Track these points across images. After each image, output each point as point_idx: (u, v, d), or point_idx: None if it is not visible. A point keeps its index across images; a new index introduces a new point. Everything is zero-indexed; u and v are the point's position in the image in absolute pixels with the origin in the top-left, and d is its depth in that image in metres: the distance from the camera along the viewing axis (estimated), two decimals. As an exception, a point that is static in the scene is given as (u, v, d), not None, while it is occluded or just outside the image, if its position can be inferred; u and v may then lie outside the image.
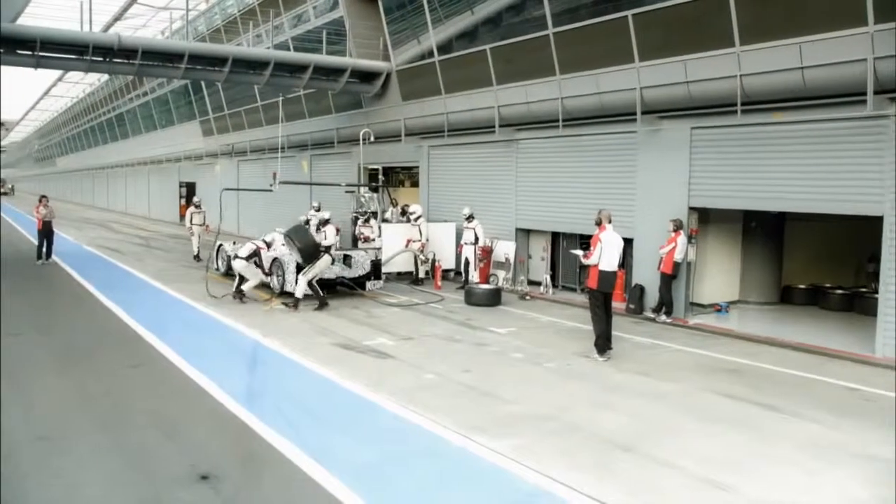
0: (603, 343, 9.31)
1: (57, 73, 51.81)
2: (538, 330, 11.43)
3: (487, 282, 15.33)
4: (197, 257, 19.91)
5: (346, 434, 6.40)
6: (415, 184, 22.27)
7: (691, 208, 12.54)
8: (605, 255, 9.19)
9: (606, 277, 9.27)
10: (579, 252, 9.83)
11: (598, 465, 5.81)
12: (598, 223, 9.44)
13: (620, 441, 6.33)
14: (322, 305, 12.62)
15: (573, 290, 15.25)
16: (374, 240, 16.15)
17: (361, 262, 14.17)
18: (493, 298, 13.66)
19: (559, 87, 14.20)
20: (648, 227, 12.92)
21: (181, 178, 37.10)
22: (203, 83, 30.89)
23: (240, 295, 13.12)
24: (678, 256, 12.21)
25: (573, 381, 8.36)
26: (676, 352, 10.11)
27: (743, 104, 11.19)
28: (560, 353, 9.76)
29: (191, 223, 20.49)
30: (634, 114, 12.91)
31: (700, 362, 9.48)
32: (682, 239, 12.19)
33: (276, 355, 9.33)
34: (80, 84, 52.61)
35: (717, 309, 13.33)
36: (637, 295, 13.01)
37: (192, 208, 20.89)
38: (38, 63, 15.61)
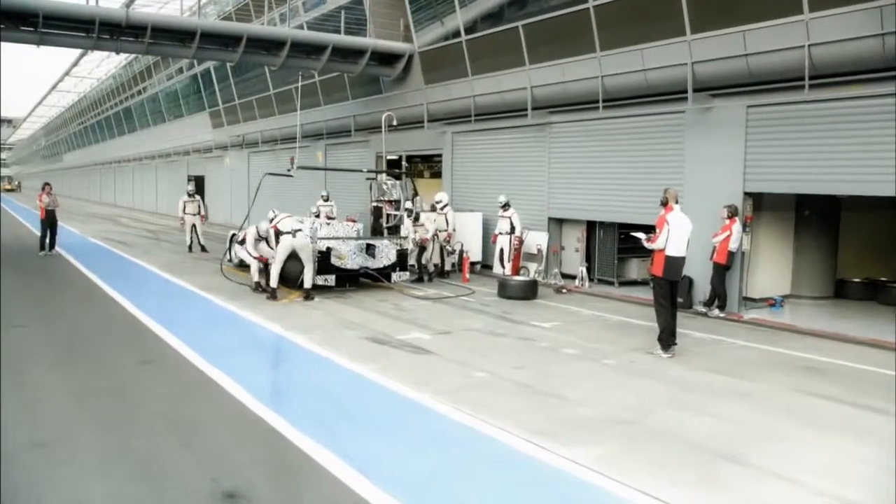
0: (667, 338, 8.32)
1: (63, 67, 51.33)
2: (584, 324, 10.45)
3: (518, 274, 14.35)
4: (190, 248, 18.99)
5: (392, 440, 5.43)
6: (435, 174, 21.30)
7: (746, 193, 11.52)
8: (673, 239, 8.20)
9: (674, 264, 8.27)
10: (641, 235, 8.82)
11: (703, 479, 4.82)
12: (664, 203, 8.43)
13: (720, 449, 5.34)
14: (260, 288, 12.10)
15: (610, 283, 14.25)
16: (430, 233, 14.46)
17: (386, 252, 13.18)
18: (529, 291, 12.67)
19: (599, 65, 13.21)
20: (697, 214, 11.66)
21: (190, 171, 36.22)
22: (214, 77, 30.07)
23: (260, 287, 12.30)
24: (733, 245, 11.22)
25: (641, 380, 7.38)
26: (743, 348, 9.11)
27: (810, 78, 10.18)
28: (617, 348, 8.78)
29: (183, 213, 19.46)
30: (683, 92, 11.93)
31: (774, 360, 8.48)
32: (737, 227, 11.20)
33: (301, 350, 8.38)
34: (88, 79, 51.89)
35: (771, 303, 12.32)
36: (685, 287, 11.98)
37: (184, 197, 19.75)
38: (41, 40, 14.64)
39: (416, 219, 14.20)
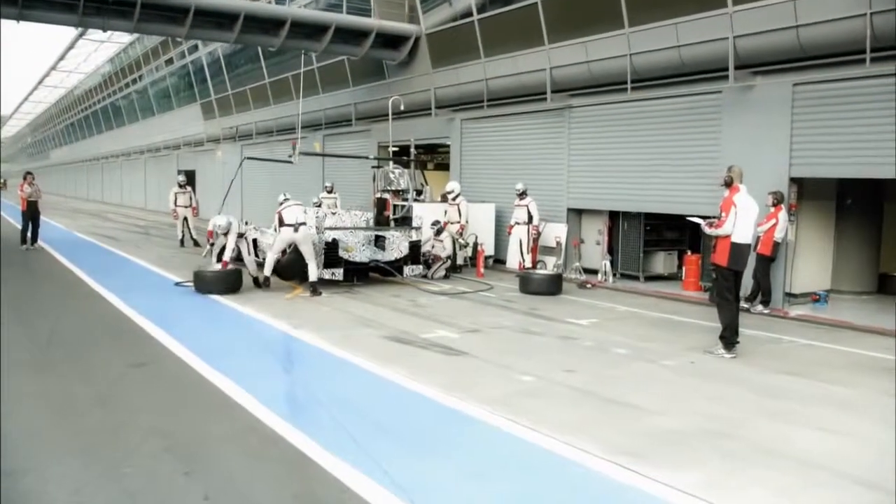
0: (731, 336, 7.35)
1: (50, 61, 49.79)
2: (623, 321, 9.46)
3: (535, 268, 13.35)
4: (182, 242, 17.91)
5: (445, 462, 4.42)
6: (439, 166, 20.28)
7: (792, 179, 10.57)
8: (740, 224, 7.22)
9: (740, 252, 7.29)
10: (699, 220, 7.85)
11: (846, 513, 3.85)
12: (729, 184, 7.44)
13: (849, 471, 4.36)
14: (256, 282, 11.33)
15: (634, 278, 13.28)
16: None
17: (397, 244, 12.15)
18: (553, 286, 11.68)
19: (628, 42, 12.23)
20: (738, 202, 10.92)
21: (180, 165, 34.96)
22: (206, 68, 28.92)
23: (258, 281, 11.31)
24: (778, 235, 10.28)
25: (713, 384, 6.38)
26: (807, 347, 8.16)
27: (872, 51, 9.24)
28: (670, 348, 7.79)
29: (175, 205, 18.36)
30: (722, 70, 11.00)
31: (849, 360, 7.53)
32: (783, 215, 10.25)
33: (316, 351, 7.35)
34: (75, 74, 50.50)
35: (815, 298, 11.36)
36: (725, 281, 11.02)
37: (175, 188, 18.64)
38: (21, 15, 13.52)
39: (439, 233, 13.12)
